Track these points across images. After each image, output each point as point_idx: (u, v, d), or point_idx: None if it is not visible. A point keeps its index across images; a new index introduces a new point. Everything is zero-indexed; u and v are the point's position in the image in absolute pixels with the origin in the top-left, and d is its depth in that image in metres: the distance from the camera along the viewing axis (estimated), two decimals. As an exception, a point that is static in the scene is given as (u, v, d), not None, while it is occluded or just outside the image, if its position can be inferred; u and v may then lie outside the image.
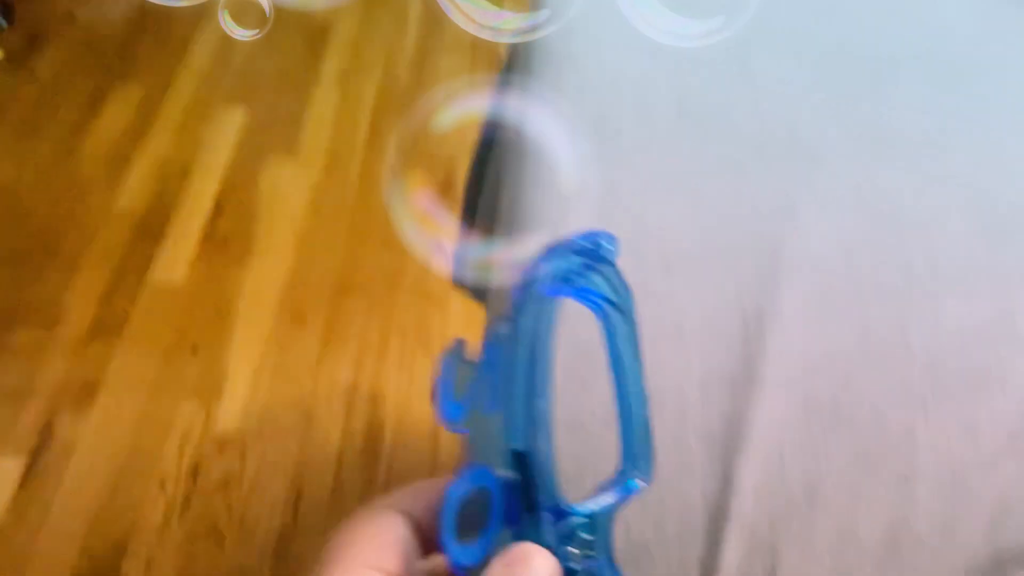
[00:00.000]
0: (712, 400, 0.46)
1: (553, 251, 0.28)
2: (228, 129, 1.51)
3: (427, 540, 0.28)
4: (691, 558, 0.41)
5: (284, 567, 0.98)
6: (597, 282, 0.29)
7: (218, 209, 1.38)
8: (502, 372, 0.27)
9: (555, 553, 0.25)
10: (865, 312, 0.48)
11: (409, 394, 1.14)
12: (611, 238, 0.29)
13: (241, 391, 1.15)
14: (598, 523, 0.27)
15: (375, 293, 1.24)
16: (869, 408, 0.44)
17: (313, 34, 1.68)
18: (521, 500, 0.26)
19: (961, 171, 0.54)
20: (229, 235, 1.34)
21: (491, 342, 0.27)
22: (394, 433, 1.10)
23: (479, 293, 0.69)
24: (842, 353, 0.47)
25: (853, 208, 0.53)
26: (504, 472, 0.26)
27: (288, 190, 1.39)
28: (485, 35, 0.53)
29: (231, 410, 1.13)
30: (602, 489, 0.27)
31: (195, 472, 1.07)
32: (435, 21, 1.69)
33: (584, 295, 0.29)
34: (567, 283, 0.28)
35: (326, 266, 1.28)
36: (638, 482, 0.28)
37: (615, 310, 0.29)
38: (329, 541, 0.26)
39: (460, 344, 0.28)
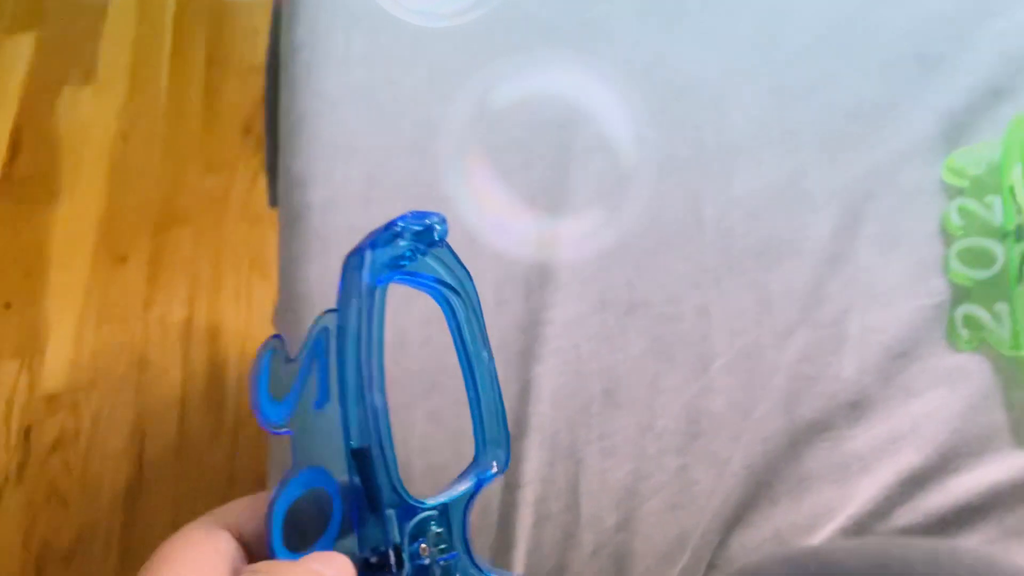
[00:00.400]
0: (507, 306, 0.44)
1: (378, 236, 0.27)
2: (17, 60, 1.36)
3: (257, 557, 0.26)
4: (492, 475, 0.40)
5: (134, 521, 0.93)
6: (431, 266, 0.28)
7: (14, 148, 1.25)
8: (332, 367, 0.26)
9: (404, 551, 0.25)
10: (657, 191, 0.47)
11: (249, 323, 1.08)
12: (442, 219, 0.27)
13: (65, 343, 1.07)
14: (451, 514, 0.27)
15: (200, 221, 1.16)
16: (663, 292, 0.43)
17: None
18: (364, 501, 0.25)
19: (747, 32, 0.52)
20: (30, 175, 1.23)
21: (317, 336, 0.26)
22: (239, 368, 1.05)
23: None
24: (636, 237, 0.45)
25: (642, 84, 0.51)
26: (342, 472, 0.25)
27: (91, 119, 1.27)
28: (414, 20, 0.50)
29: (57, 365, 1.05)
30: (457, 479, 0.27)
31: (27, 435, 1.00)
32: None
33: (417, 280, 0.28)
34: (396, 269, 0.27)
35: (143, 197, 1.19)
36: (491, 471, 0.28)
37: (453, 293, 0.28)
38: (150, 558, 0.25)
39: (277, 340, 0.26)
